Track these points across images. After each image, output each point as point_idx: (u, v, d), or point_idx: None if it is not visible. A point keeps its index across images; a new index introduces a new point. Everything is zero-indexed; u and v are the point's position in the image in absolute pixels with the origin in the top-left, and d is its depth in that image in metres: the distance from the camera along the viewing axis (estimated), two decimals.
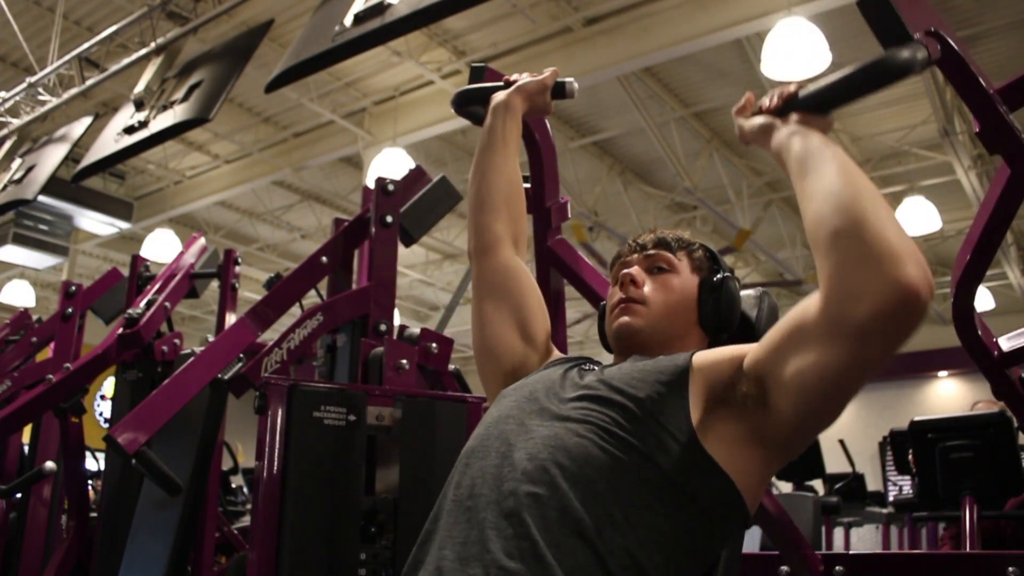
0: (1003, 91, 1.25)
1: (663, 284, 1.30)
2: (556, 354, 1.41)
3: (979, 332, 1.40)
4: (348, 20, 3.72)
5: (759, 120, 1.14)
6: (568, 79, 1.53)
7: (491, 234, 1.44)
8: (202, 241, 3.04)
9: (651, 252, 1.33)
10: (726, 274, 1.33)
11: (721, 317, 1.29)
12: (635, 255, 1.34)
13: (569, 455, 1.05)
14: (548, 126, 1.86)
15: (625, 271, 1.31)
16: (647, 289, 1.29)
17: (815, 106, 1.09)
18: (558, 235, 1.84)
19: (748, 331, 1.31)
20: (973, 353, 1.41)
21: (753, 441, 1.07)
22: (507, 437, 1.11)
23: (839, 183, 0.96)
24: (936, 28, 1.08)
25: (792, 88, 1.12)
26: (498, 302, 1.40)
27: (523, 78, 1.53)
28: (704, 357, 1.14)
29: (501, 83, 1.56)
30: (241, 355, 2.20)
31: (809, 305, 0.98)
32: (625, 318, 1.27)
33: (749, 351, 1.09)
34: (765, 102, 1.15)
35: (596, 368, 1.25)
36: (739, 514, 1.09)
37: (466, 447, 1.17)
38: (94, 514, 2.78)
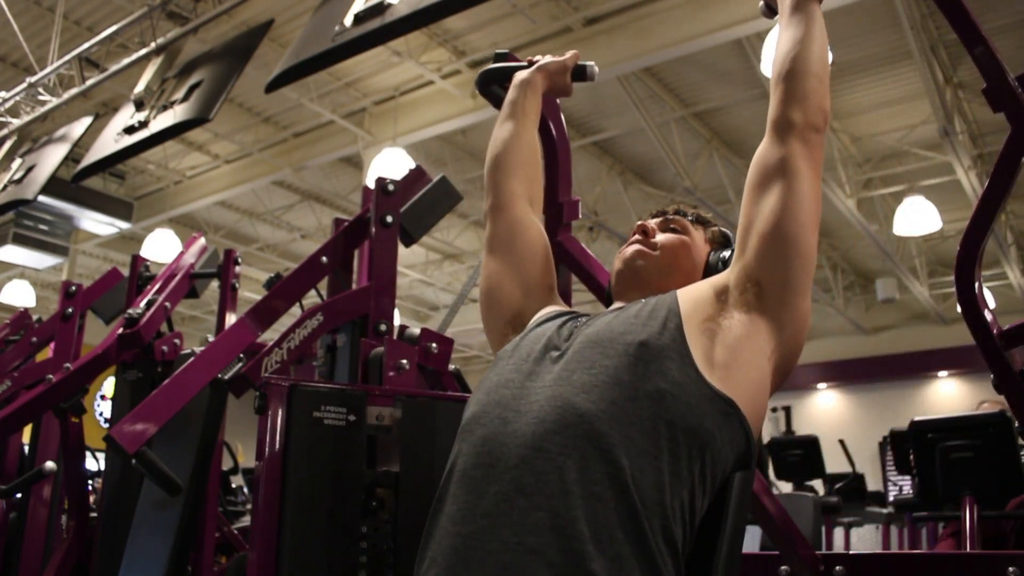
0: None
1: (674, 238, 1.36)
2: (554, 307, 1.40)
3: (977, 293, 1.39)
4: (348, 20, 3.73)
5: None
6: (589, 63, 1.59)
7: (508, 191, 1.49)
8: (202, 241, 3.04)
9: (669, 216, 1.40)
10: None
11: None
12: (653, 219, 1.42)
13: (576, 412, 1.04)
14: (564, 122, 1.88)
15: (640, 223, 1.39)
16: (658, 238, 1.36)
17: None
18: (568, 232, 1.85)
19: None
20: (971, 321, 1.39)
21: (756, 339, 1.13)
22: (509, 403, 1.10)
23: (816, 42, 1.28)
24: None
25: None
26: (506, 253, 1.45)
27: (545, 59, 1.60)
28: (687, 290, 1.21)
29: (524, 63, 1.64)
30: (241, 355, 2.20)
31: (760, 151, 1.30)
32: (633, 254, 1.33)
33: (728, 271, 1.21)
34: None
35: (587, 319, 1.26)
36: (745, 441, 1.11)
37: (467, 416, 1.16)
38: (94, 514, 2.77)
